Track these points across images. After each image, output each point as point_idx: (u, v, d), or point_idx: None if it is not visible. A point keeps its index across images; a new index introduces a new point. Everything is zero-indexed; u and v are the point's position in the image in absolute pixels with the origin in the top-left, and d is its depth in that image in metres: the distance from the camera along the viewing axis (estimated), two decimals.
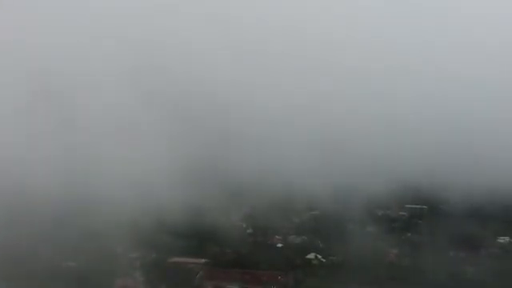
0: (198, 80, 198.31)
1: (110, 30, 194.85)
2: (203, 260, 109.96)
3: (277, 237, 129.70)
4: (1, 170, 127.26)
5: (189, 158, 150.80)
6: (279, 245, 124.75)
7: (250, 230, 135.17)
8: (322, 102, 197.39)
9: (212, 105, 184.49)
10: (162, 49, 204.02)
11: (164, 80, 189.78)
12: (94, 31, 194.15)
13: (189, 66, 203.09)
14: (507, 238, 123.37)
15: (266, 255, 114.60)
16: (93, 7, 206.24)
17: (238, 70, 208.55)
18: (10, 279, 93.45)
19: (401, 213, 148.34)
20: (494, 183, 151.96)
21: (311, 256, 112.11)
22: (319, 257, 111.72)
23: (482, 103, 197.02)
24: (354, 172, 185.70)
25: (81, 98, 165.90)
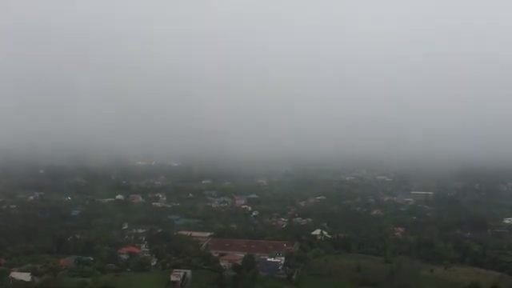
0: None
1: None
2: (208, 233, 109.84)
3: (282, 219, 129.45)
4: None
5: None
6: (284, 225, 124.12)
7: (255, 213, 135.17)
8: None
9: None
10: None
11: None
12: None
13: None
14: None
15: (271, 232, 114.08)
16: None
17: None
18: None
19: (406, 199, 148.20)
20: None
21: (317, 232, 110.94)
22: (325, 233, 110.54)
23: None
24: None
25: None
